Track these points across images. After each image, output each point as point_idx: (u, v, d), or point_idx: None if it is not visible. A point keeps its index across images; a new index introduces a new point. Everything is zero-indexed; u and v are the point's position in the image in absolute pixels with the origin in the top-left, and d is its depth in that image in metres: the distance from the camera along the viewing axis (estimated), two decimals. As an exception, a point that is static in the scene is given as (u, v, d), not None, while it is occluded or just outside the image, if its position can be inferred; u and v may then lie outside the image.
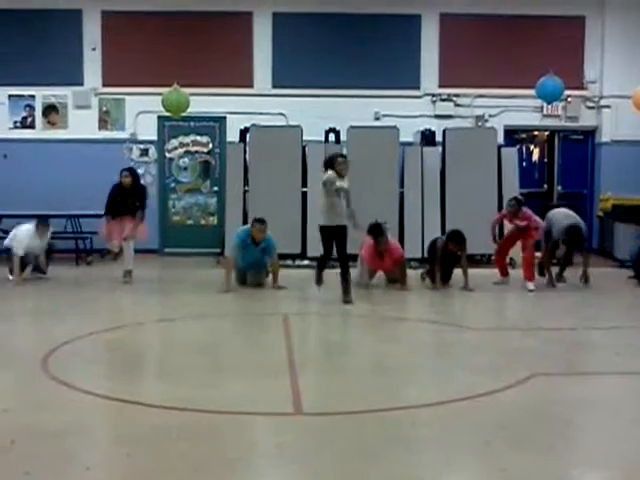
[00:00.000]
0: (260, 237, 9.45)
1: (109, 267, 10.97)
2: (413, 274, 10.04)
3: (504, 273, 10.13)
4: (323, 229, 8.60)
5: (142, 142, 13.40)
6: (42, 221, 9.82)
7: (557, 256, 10.29)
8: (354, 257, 9.51)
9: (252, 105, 12.99)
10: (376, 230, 9.49)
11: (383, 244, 9.42)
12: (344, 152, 12.11)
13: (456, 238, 9.52)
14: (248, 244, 9.46)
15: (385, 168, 12.01)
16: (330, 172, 8.49)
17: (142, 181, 10.97)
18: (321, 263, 8.98)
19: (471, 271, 9.59)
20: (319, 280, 9.00)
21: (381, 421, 4.57)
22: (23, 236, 9.68)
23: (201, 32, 13.28)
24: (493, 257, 10.54)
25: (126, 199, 9.98)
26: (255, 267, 9.70)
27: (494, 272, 10.14)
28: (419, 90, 13.46)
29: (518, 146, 13.63)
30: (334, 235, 8.59)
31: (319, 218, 8.72)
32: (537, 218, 9.87)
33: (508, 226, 10.30)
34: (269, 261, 9.65)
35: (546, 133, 14.16)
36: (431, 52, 13.44)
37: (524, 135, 14.09)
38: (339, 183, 8.48)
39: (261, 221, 9.53)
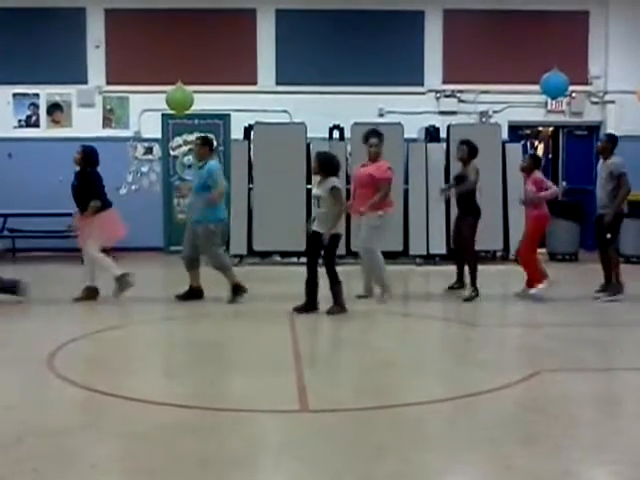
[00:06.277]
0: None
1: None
2: (422, 271, 9.85)
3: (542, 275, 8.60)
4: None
5: (146, 140, 13.44)
6: None
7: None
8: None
9: (256, 102, 13.01)
10: (370, 132, 8.46)
11: (375, 148, 8.32)
12: (349, 149, 12.26)
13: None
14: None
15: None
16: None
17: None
18: (308, 279, 7.75)
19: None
20: (309, 303, 7.72)
21: (386, 417, 4.56)
22: None
23: (205, 30, 13.31)
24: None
25: (76, 187, 8.37)
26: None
27: (499, 269, 9.99)
28: (423, 86, 13.47)
29: (522, 142, 13.61)
30: (310, 241, 7.89)
31: None
32: (549, 186, 8.42)
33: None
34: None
35: (550, 129, 14.14)
36: (435, 48, 13.45)
37: (528, 131, 14.08)
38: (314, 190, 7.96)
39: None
